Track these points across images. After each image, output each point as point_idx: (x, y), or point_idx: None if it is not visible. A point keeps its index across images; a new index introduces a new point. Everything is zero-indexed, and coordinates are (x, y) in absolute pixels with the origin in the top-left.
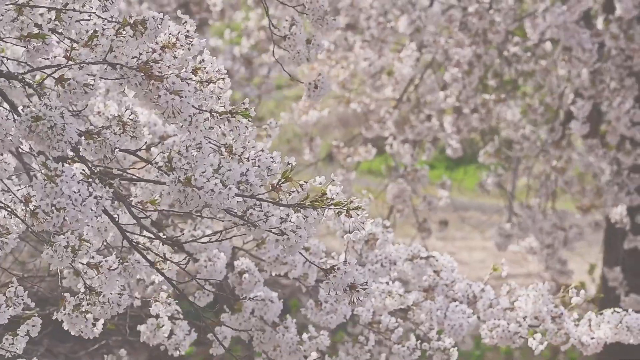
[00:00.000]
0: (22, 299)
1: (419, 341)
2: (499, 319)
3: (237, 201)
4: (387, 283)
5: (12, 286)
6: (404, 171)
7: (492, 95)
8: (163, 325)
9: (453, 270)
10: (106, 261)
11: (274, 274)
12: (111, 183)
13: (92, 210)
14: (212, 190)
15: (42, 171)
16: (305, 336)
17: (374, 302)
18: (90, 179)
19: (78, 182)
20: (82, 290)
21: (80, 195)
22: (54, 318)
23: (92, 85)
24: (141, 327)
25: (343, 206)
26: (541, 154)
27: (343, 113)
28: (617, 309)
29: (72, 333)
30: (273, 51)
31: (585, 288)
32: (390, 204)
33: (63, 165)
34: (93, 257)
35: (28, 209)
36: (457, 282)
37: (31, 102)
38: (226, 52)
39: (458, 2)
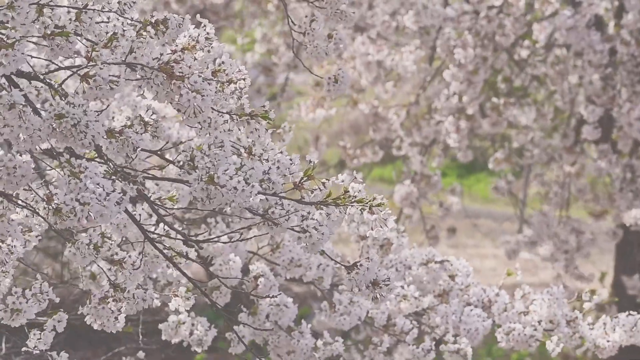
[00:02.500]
0: (47, 295)
1: (434, 342)
2: (514, 323)
3: (260, 199)
4: (402, 287)
5: (37, 282)
6: (414, 176)
7: (501, 100)
8: (184, 322)
9: (468, 274)
10: (129, 257)
11: (287, 278)
12: (135, 180)
13: (116, 205)
14: (235, 188)
15: (66, 168)
16: (319, 342)
17: (389, 305)
18: (113, 177)
19: (102, 178)
20: (107, 287)
21: (104, 190)
22: (79, 313)
23: (118, 82)
24: (162, 325)
25: (366, 203)
26: (552, 161)
27: (355, 119)
28: (632, 312)
29: (95, 327)
30: (293, 49)
31: (597, 295)
32: (398, 206)
33: (88, 162)
34: (117, 254)
35: (50, 207)
36: (472, 286)
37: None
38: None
39: (470, 4)
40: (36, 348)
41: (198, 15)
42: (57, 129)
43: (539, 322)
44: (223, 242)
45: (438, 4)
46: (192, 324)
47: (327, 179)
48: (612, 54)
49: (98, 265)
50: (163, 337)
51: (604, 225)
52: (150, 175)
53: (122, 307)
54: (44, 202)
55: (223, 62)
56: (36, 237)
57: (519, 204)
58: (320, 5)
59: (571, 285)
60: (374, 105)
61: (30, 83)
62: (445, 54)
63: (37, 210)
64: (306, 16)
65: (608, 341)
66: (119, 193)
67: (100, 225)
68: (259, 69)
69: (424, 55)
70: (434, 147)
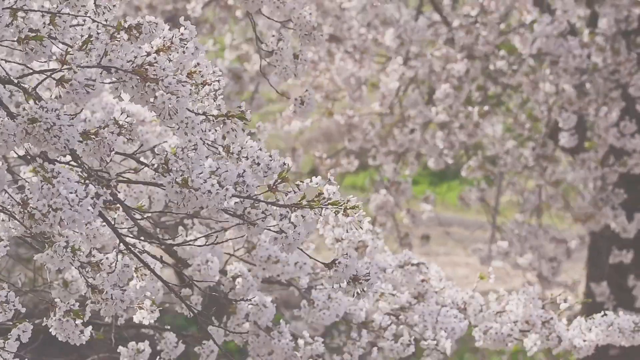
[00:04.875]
0: (13, 305)
1: (413, 337)
2: (491, 322)
3: (235, 202)
4: (380, 286)
5: (3, 291)
6: (387, 183)
7: (475, 108)
8: (143, 350)
9: (441, 279)
10: (107, 259)
11: (267, 276)
12: (109, 184)
13: (89, 210)
14: (209, 191)
15: (40, 173)
16: (300, 342)
17: (367, 304)
18: (87, 181)
19: (75, 183)
20: (85, 290)
21: (77, 195)
22: (44, 324)
23: (94, 85)
24: (121, 350)
25: (340, 206)
26: (526, 170)
27: (327, 128)
28: (607, 312)
29: (60, 339)
30: (260, 66)
31: (569, 302)
32: (373, 215)
33: (57, 166)
34: (94, 256)
35: (26, 211)
36: (446, 289)
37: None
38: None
39: (442, 18)
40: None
41: (182, 19)
42: (31, 134)
43: (515, 322)
44: (198, 245)
45: (409, 14)
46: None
47: (301, 181)
48: (588, 60)
49: (71, 275)
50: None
51: (574, 231)
52: (124, 179)
53: (101, 308)
54: (20, 206)
55: (198, 64)
56: (4, 247)
57: (491, 212)
58: (290, 27)
59: (542, 292)
60: (349, 115)
61: (5, 87)
62: (420, 63)
63: (13, 214)
64: (273, 35)
65: (585, 340)
66: (92, 198)
67: (74, 231)
68: (229, 76)
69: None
70: (407, 155)
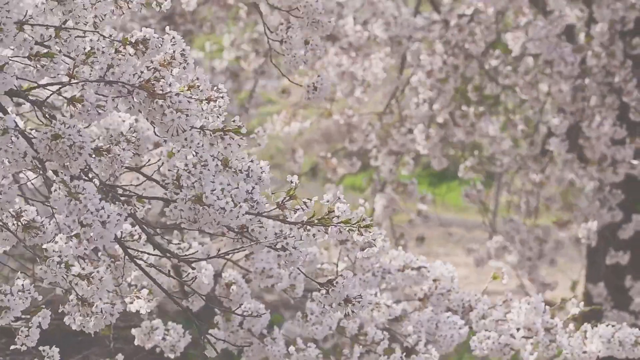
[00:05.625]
0: (29, 293)
1: (404, 353)
2: (491, 331)
3: (246, 219)
4: (376, 294)
5: (19, 280)
6: (385, 184)
7: (471, 107)
8: (157, 328)
9: (453, 279)
10: (97, 272)
11: (261, 287)
12: (129, 201)
13: (115, 226)
14: (222, 208)
15: (62, 189)
16: (292, 348)
17: (361, 313)
18: (105, 197)
19: (100, 200)
20: (74, 302)
21: (105, 211)
22: (60, 311)
23: (105, 106)
24: (134, 331)
25: (354, 224)
26: (521, 170)
27: (326, 128)
28: (611, 323)
29: (74, 328)
30: (270, 56)
31: (569, 303)
32: (377, 219)
33: (84, 182)
34: (84, 269)
35: (19, 223)
36: (452, 292)
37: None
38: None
39: (439, 15)
40: (24, 345)
41: (167, 28)
42: (54, 150)
43: (517, 329)
44: (202, 259)
45: (408, 13)
46: (166, 330)
47: (309, 198)
48: (583, 63)
49: (69, 283)
50: (136, 343)
51: (571, 233)
52: (141, 195)
53: (90, 323)
54: (13, 218)
55: (197, 78)
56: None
57: (488, 212)
58: (296, 15)
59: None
60: (349, 115)
61: (13, 100)
62: (415, 63)
63: (6, 225)
64: (281, 23)
65: (584, 352)
66: (118, 215)
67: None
68: (227, 75)
69: (394, 63)
70: (404, 155)
